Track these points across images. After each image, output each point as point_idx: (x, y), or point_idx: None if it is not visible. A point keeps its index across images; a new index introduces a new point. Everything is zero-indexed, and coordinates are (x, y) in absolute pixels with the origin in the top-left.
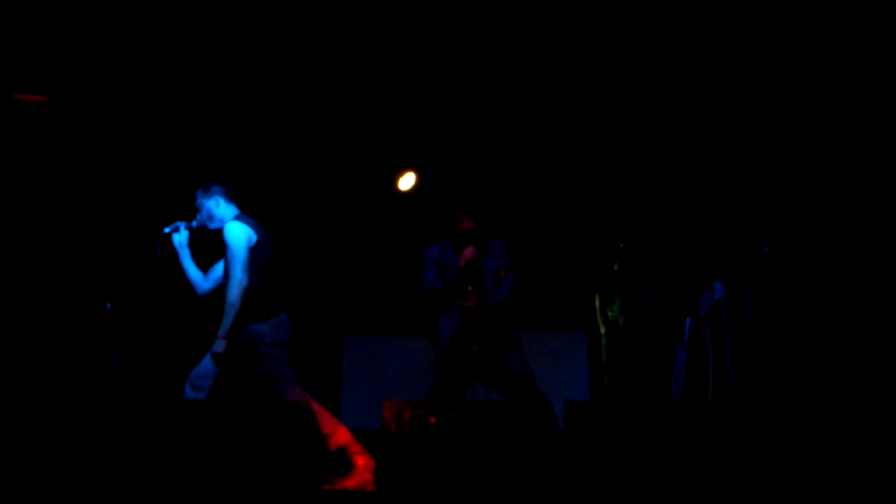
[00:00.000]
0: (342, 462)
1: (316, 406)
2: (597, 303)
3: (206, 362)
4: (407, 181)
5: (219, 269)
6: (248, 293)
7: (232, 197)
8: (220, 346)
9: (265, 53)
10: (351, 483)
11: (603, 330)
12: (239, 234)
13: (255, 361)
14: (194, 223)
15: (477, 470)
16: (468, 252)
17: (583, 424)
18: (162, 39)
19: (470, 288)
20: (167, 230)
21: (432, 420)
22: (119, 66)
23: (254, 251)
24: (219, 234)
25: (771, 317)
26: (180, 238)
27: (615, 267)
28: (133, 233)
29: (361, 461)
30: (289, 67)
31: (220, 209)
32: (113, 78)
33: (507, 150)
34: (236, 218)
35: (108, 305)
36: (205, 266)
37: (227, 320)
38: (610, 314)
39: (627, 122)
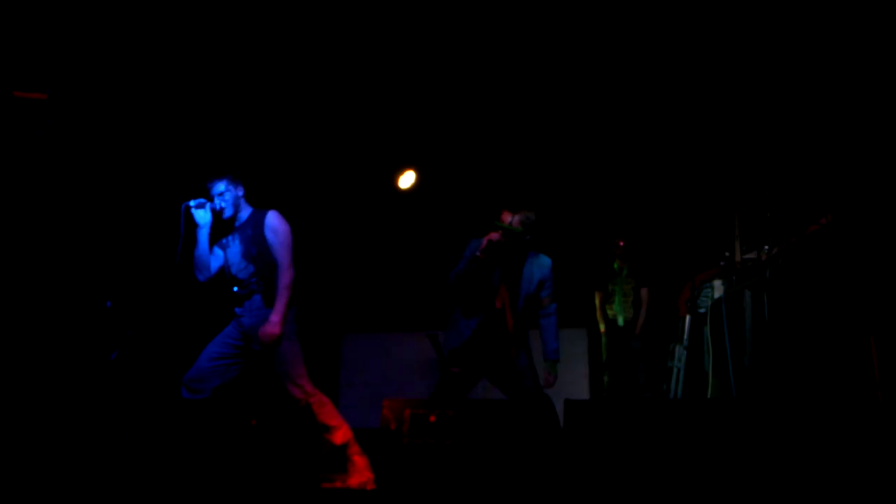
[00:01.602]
0: (343, 460)
1: (323, 398)
2: (596, 301)
3: (201, 364)
4: (407, 180)
5: (217, 257)
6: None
7: None
8: (275, 326)
9: (264, 51)
10: (352, 481)
11: (602, 328)
12: (286, 223)
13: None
14: (216, 206)
15: (477, 468)
16: (493, 234)
17: (582, 423)
18: (163, 37)
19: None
20: (193, 204)
21: (432, 418)
22: (119, 64)
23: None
24: (227, 224)
25: (770, 315)
26: (206, 216)
27: (615, 265)
28: (132, 231)
29: (362, 460)
30: (287, 65)
31: (244, 200)
32: (112, 75)
33: (508, 148)
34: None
35: (108, 304)
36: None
37: (283, 304)
38: (609, 313)
39: (627, 121)
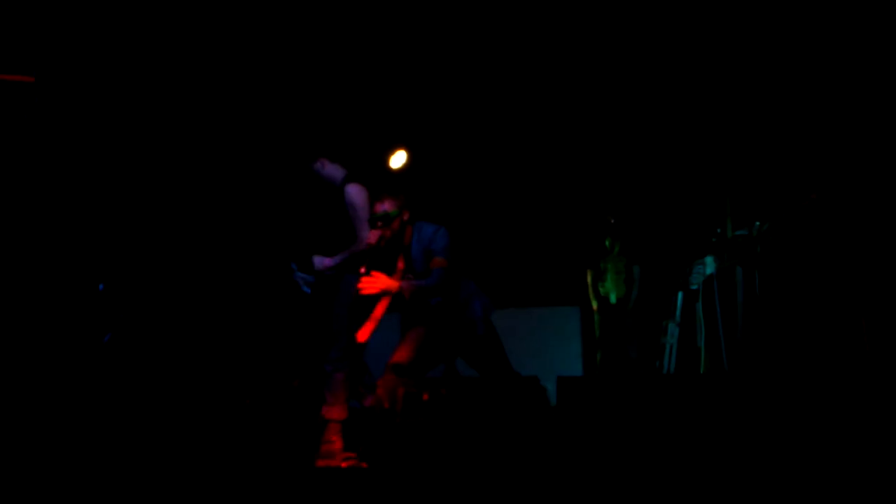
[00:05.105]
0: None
1: None
2: (589, 279)
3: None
4: (398, 160)
5: None
6: None
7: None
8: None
9: (255, 40)
10: (344, 463)
11: (595, 305)
12: (363, 193)
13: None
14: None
15: (470, 446)
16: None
17: (575, 400)
18: (152, 24)
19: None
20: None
21: (425, 397)
22: (107, 48)
23: None
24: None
25: (762, 291)
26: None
27: (607, 243)
28: (124, 214)
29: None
30: (278, 57)
31: (337, 172)
32: (101, 59)
33: (499, 128)
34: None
35: (101, 287)
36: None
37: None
38: (602, 290)
39: (618, 99)
